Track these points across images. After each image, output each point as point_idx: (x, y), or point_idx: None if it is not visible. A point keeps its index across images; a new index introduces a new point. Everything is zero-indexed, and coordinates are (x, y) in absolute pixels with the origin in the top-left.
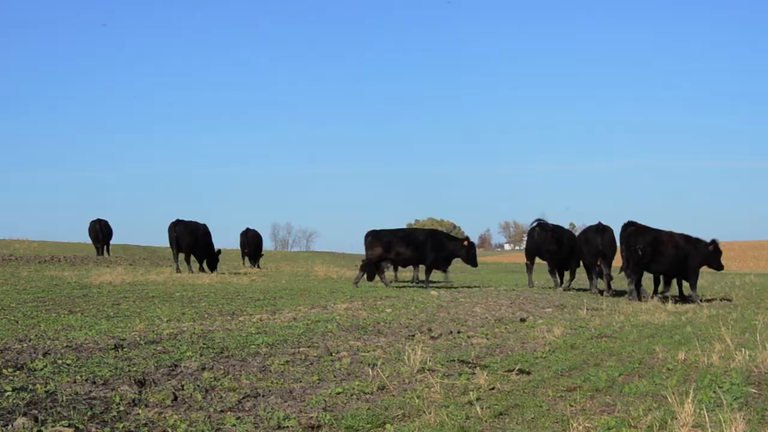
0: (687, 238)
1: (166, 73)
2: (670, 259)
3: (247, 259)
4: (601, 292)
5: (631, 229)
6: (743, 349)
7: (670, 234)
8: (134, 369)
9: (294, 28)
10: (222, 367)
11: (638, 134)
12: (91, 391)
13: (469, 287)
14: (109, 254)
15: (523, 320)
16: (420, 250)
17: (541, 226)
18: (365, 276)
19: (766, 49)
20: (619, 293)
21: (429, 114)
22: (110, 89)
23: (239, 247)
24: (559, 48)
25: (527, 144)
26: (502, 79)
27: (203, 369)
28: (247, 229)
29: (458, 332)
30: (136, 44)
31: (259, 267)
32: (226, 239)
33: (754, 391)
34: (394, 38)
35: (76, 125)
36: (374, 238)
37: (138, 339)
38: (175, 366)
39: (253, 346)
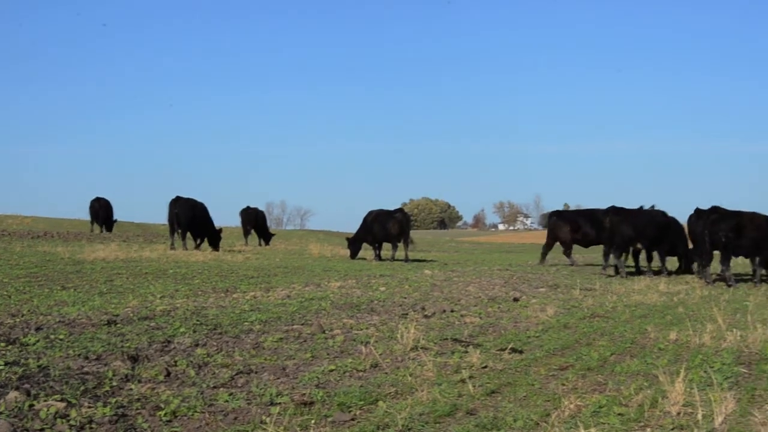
0: None
1: (161, 52)
2: (753, 242)
3: (252, 237)
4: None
5: (714, 215)
6: (734, 330)
7: (752, 216)
8: (127, 345)
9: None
10: (215, 343)
11: (636, 116)
12: (83, 366)
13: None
14: (108, 232)
15: (516, 300)
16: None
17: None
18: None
19: None
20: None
21: (424, 93)
22: (106, 66)
23: (241, 225)
24: (562, 22)
25: (523, 124)
26: (498, 59)
27: (196, 345)
28: (248, 207)
29: (451, 311)
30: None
31: (261, 245)
32: (221, 217)
33: (744, 370)
34: (390, 16)
35: (70, 103)
36: (559, 218)
37: (131, 315)
38: (168, 342)
39: (246, 323)
